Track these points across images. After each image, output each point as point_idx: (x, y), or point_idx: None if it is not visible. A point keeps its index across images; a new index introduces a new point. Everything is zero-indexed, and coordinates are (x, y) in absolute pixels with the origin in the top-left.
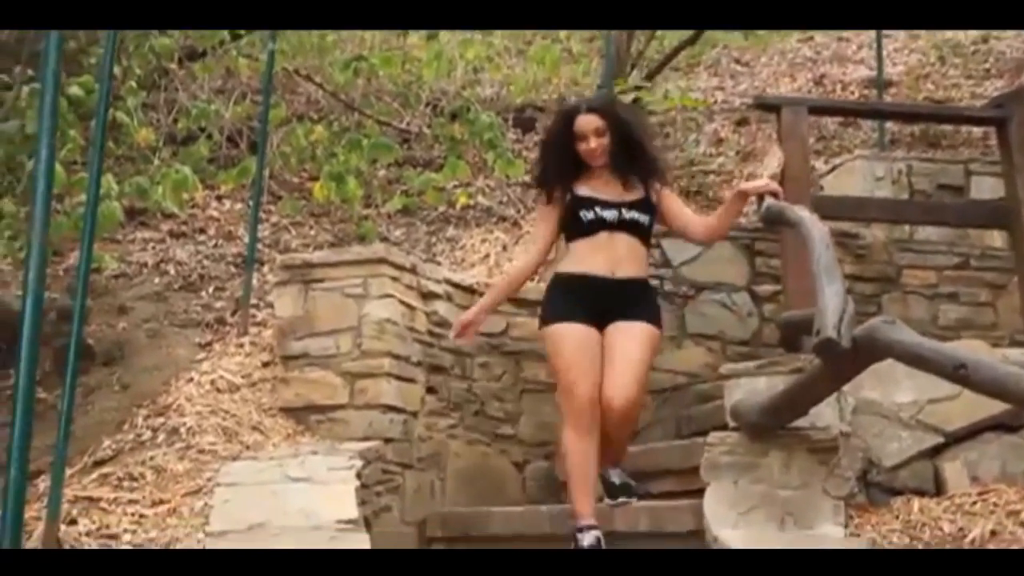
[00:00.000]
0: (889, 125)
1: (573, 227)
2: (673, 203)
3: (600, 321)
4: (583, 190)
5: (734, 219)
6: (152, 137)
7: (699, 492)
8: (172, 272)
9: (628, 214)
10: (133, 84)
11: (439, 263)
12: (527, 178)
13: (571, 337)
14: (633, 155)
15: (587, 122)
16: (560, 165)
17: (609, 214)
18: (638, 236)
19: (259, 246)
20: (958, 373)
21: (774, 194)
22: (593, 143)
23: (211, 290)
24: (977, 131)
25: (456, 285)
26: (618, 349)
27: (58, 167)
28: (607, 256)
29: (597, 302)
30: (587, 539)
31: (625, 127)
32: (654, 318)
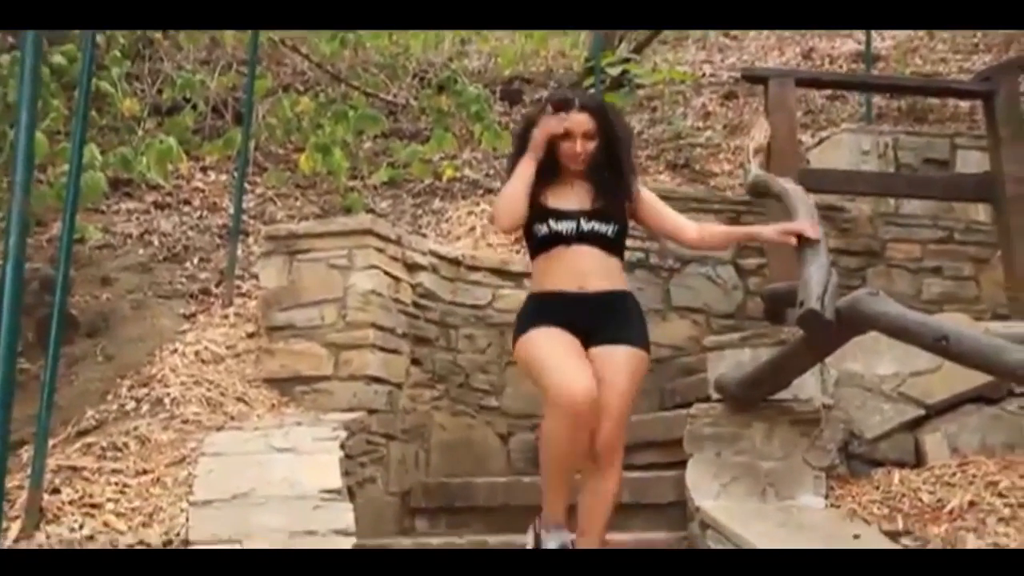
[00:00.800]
0: (876, 100)
1: (531, 240)
2: (654, 204)
3: (581, 338)
4: (544, 197)
5: (734, 243)
6: (136, 107)
7: (682, 464)
8: (156, 243)
9: (587, 225)
10: (117, 53)
11: (425, 235)
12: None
13: (552, 337)
14: (612, 167)
15: (578, 121)
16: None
17: (565, 226)
18: (603, 248)
19: (244, 217)
20: (939, 345)
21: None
22: (579, 146)
23: (196, 261)
24: (964, 105)
25: (441, 257)
26: (600, 383)
27: (41, 137)
28: (570, 271)
29: (572, 318)
30: (552, 541)
31: (614, 136)
32: (639, 338)
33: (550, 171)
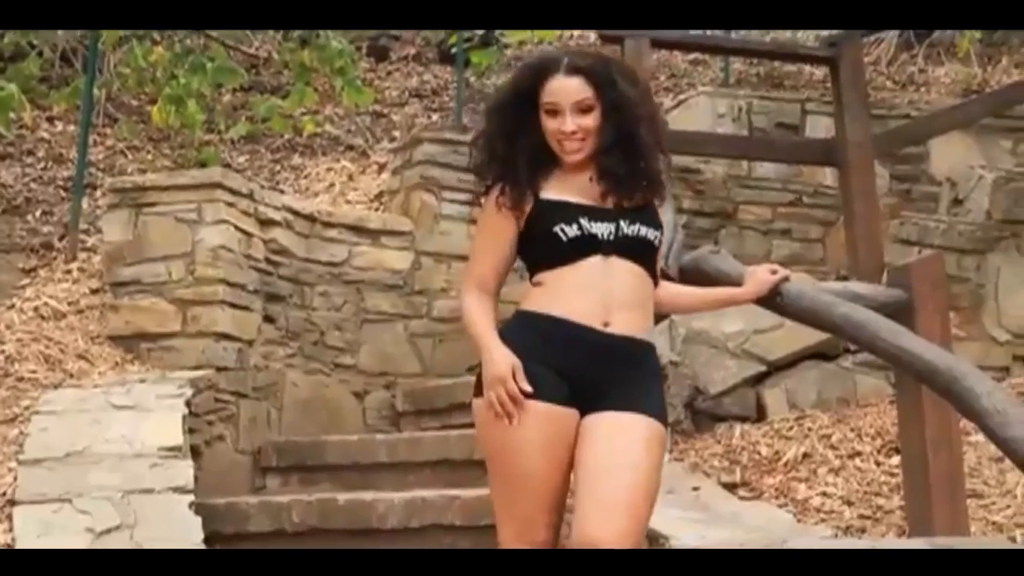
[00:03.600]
0: (737, 65)
1: (542, 249)
2: None
3: (578, 400)
4: (551, 192)
5: (706, 310)
6: None
7: None
8: None
9: (631, 228)
10: None
11: (283, 191)
12: (377, 107)
13: (535, 435)
14: (632, 151)
15: (566, 89)
16: (520, 147)
17: (602, 228)
18: (645, 265)
19: (93, 170)
20: (776, 301)
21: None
22: (570, 124)
23: (38, 214)
24: (818, 73)
25: (296, 213)
26: (608, 465)
27: None
28: (598, 297)
29: (577, 369)
30: None
31: (625, 104)
32: (658, 408)
33: (546, 155)
